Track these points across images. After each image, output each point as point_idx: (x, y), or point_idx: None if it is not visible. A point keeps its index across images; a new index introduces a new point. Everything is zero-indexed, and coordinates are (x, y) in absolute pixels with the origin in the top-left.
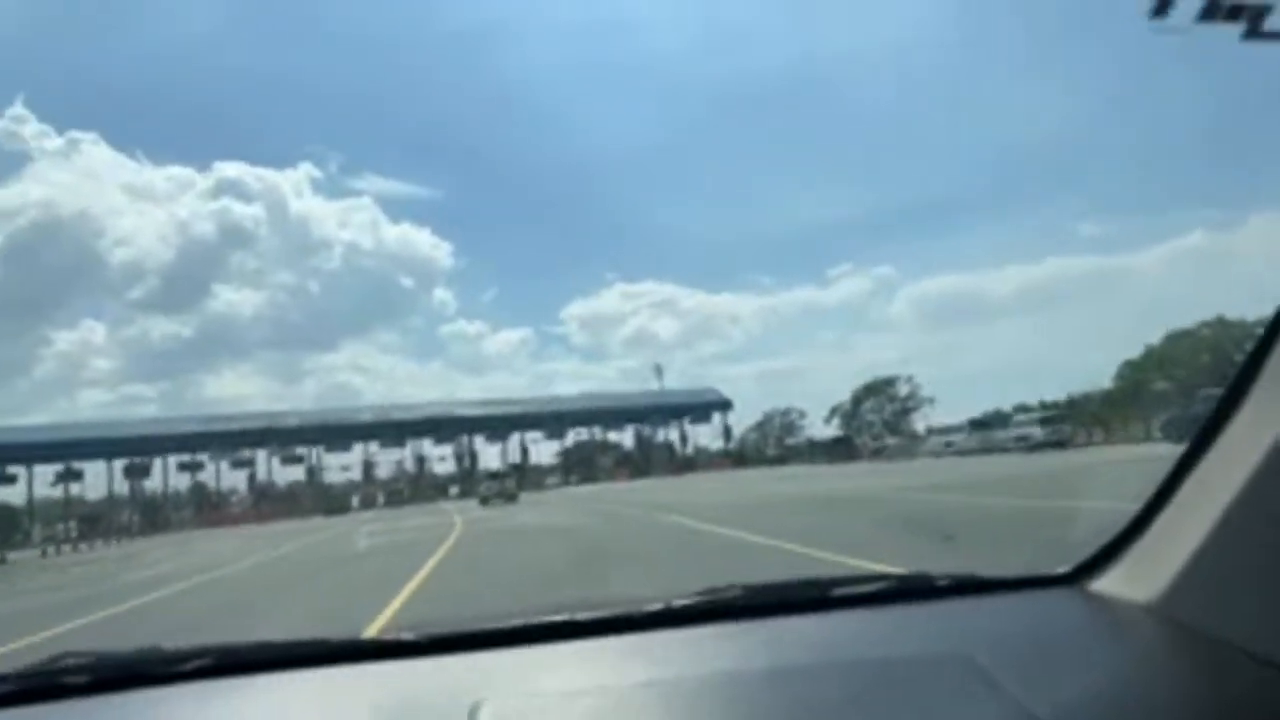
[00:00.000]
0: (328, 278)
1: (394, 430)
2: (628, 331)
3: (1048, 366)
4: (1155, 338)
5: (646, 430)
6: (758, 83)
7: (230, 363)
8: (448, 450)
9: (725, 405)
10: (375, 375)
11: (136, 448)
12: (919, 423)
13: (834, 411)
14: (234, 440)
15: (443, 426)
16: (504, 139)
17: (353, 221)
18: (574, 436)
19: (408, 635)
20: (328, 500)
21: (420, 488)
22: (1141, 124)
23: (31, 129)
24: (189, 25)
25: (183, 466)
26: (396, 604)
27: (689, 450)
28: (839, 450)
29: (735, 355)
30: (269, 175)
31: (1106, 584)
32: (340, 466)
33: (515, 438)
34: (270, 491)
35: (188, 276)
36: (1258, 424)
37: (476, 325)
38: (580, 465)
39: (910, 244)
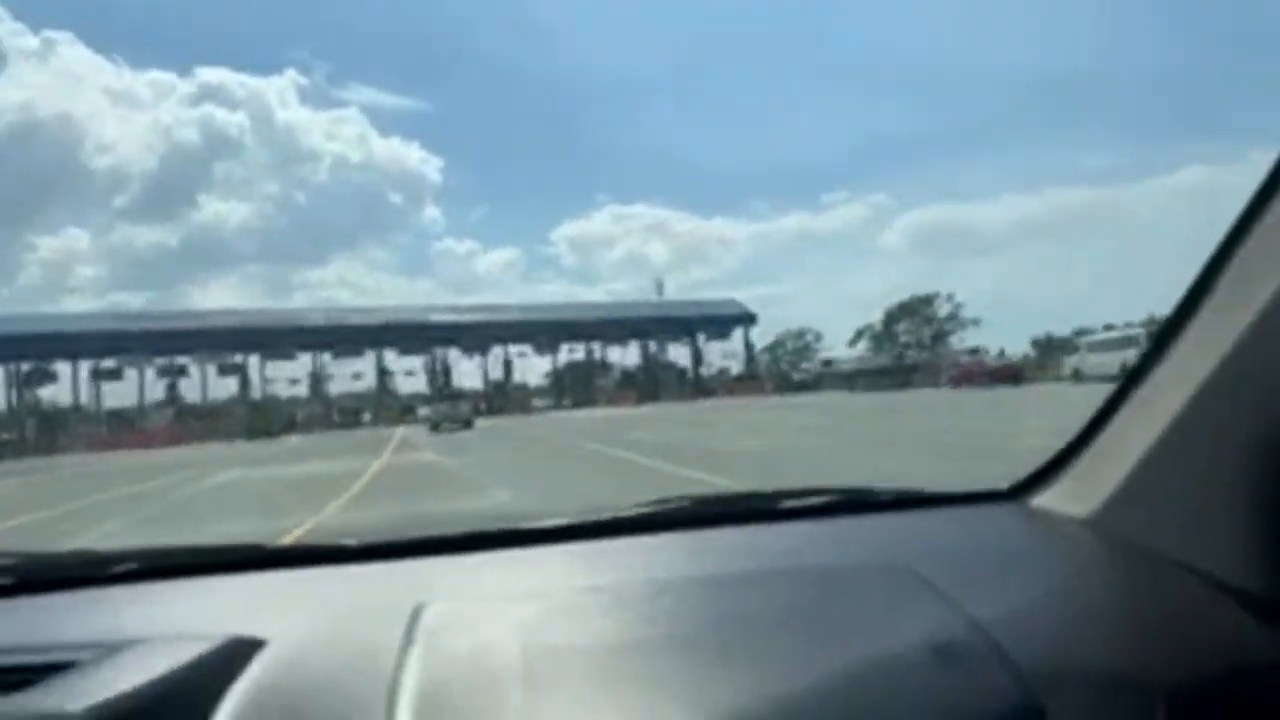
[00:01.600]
0: (315, 190)
1: (350, 336)
2: (618, 254)
3: (1044, 299)
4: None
5: (653, 347)
6: (756, 7)
7: (217, 275)
8: (418, 364)
9: (748, 319)
10: (363, 291)
11: (43, 347)
12: (956, 346)
13: (860, 333)
14: (157, 342)
15: (410, 334)
16: (499, 53)
17: (341, 133)
18: (568, 354)
19: (347, 541)
20: (255, 420)
21: (382, 407)
22: (1147, 53)
23: (4, 28)
24: None
25: (100, 374)
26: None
27: (704, 371)
28: (893, 375)
29: (727, 281)
30: (253, 82)
31: (1047, 499)
32: (288, 379)
33: (498, 352)
34: (195, 408)
35: (172, 185)
36: (1201, 345)
37: (467, 244)
38: (575, 387)
39: (907, 172)
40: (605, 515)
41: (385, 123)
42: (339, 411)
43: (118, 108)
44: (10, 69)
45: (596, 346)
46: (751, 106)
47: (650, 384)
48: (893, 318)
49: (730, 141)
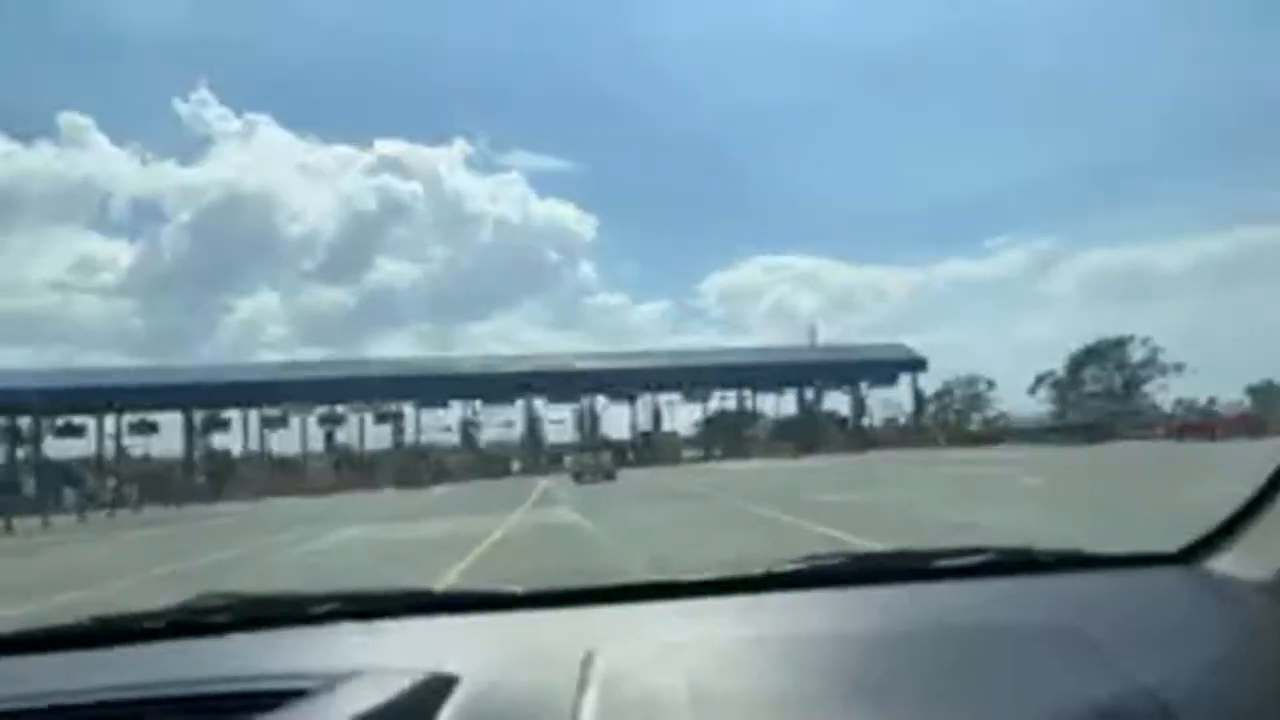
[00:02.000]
0: (479, 251)
1: (501, 384)
2: (767, 304)
3: (1240, 343)
4: None
5: (809, 395)
6: (910, 46)
7: (389, 331)
8: (568, 413)
9: (917, 364)
10: (519, 345)
11: (215, 397)
12: (1156, 395)
13: (1040, 380)
14: (318, 391)
15: (559, 382)
16: (646, 110)
17: (502, 196)
18: (719, 402)
19: (519, 589)
20: (404, 469)
21: (530, 456)
22: None
23: (213, 112)
24: (348, 7)
25: (267, 422)
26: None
27: (868, 421)
28: (1087, 431)
29: (880, 330)
30: (425, 152)
31: (1218, 563)
32: (441, 428)
33: (647, 400)
34: (352, 455)
35: (352, 249)
36: None
37: (618, 297)
38: (725, 437)
39: (1074, 215)
40: (763, 570)
41: (542, 184)
42: (486, 460)
43: (306, 179)
44: (217, 148)
45: (748, 394)
46: (904, 152)
47: (808, 434)
48: (1079, 363)
49: (883, 188)
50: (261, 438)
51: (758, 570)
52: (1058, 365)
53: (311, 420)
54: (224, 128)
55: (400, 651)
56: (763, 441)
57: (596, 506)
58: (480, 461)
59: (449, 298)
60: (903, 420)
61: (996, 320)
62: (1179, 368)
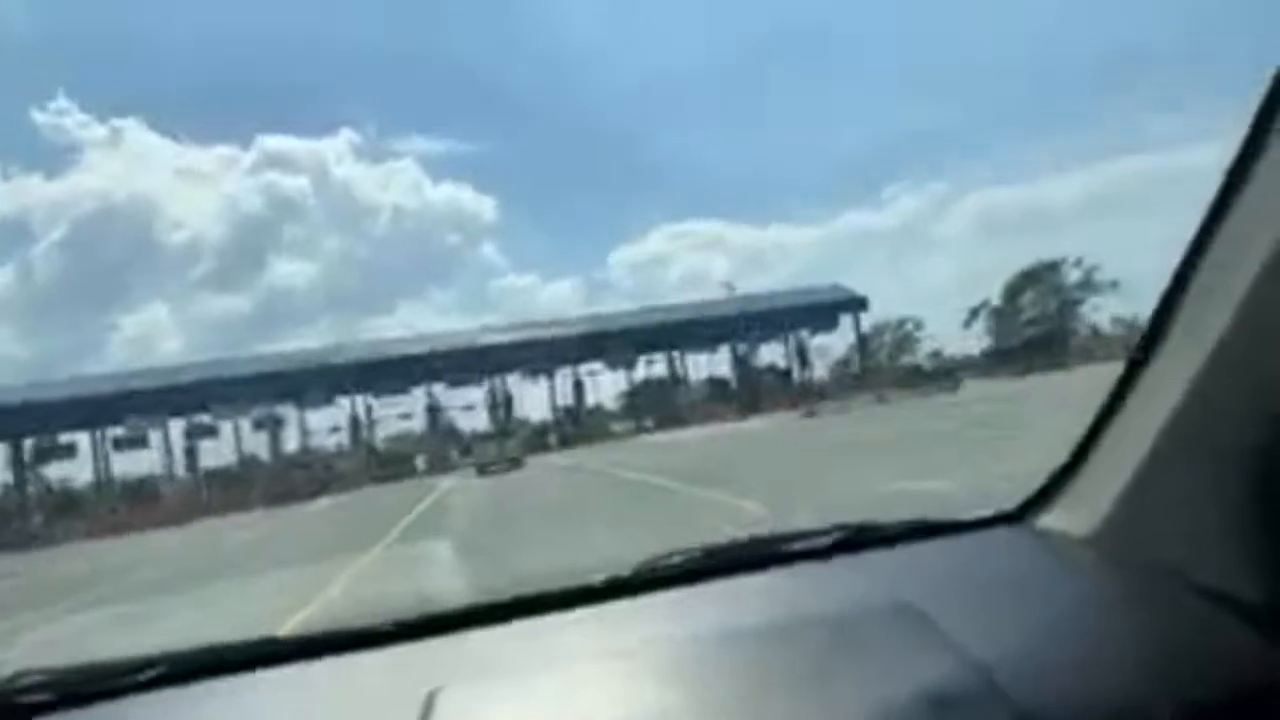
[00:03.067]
0: (376, 242)
1: (394, 372)
2: (677, 272)
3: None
4: None
5: (743, 349)
6: (791, 6)
7: (290, 331)
8: (478, 396)
9: (858, 304)
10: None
11: (46, 418)
12: (1091, 316)
13: (975, 312)
14: (179, 400)
15: (462, 362)
16: (537, 86)
17: (395, 183)
18: (646, 368)
19: (356, 626)
20: (275, 484)
21: (437, 451)
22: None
23: (75, 119)
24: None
25: (119, 443)
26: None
27: (811, 373)
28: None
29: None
30: (310, 145)
31: (1049, 520)
32: (329, 428)
33: (566, 374)
34: (220, 473)
35: (242, 252)
36: (1186, 346)
37: (526, 278)
38: (655, 405)
39: (966, 156)
40: (613, 575)
41: (438, 168)
42: (384, 461)
43: (186, 183)
44: (85, 158)
45: (676, 356)
46: (795, 108)
47: (748, 393)
48: (1015, 290)
49: (777, 146)
50: (105, 464)
51: (605, 576)
52: (990, 296)
53: (176, 434)
54: (88, 135)
55: (225, 716)
56: (698, 406)
57: (505, 525)
58: (376, 464)
59: (350, 293)
60: (851, 366)
61: (901, 266)
62: (1115, 285)
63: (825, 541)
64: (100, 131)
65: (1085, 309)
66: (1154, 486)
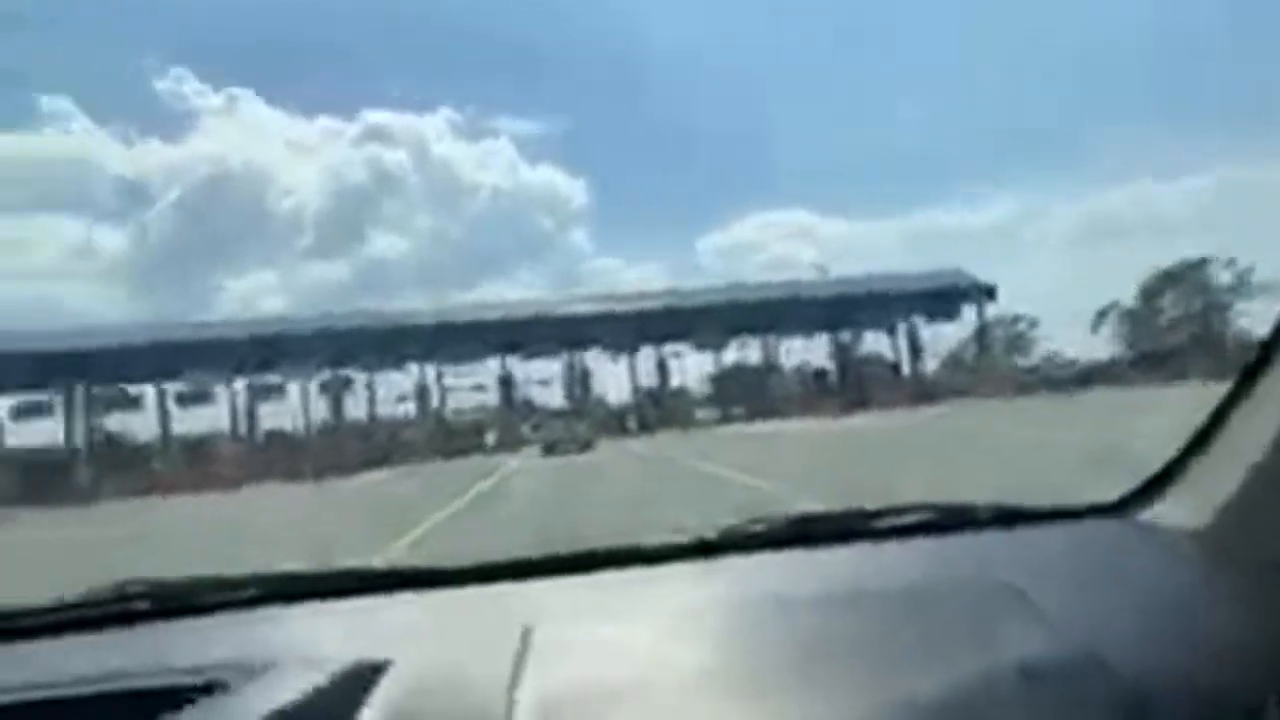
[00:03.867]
0: (469, 219)
1: (467, 338)
2: (765, 260)
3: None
4: None
5: (846, 336)
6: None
7: (383, 304)
8: (554, 370)
9: (986, 293)
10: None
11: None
12: (1240, 320)
13: (1103, 314)
14: (240, 357)
15: (539, 334)
16: (634, 71)
17: (491, 163)
18: (738, 351)
19: (456, 563)
20: (329, 453)
21: (508, 425)
22: None
23: (191, 87)
24: None
25: (183, 399)
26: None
27: (923, 367)
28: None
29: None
30: (411, 120)
31: (1153, 514)
32: (397, 395)
33: (649, 354)
34: (283, 436)
35: (342, 222)
36: None
37: (614, 261)
38: (745, 393)
39: (1069, 157)
40: (705, 536)
41: (533, 149)
42: (449, 434)
43: (293, 153)
44: (201, 126)
45: (772, 340)
46: (890, 101)
47: (853, 386)
48: (1153, 291)
49: (870, 139)
50: (164, 416)
51: (696, 537)
52: (1121, 297)
53: (240, 394)
54: (204, 104)
55: (328, 636)
56: (795, 396)
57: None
58: (443, 436)
59: (442, 269)
60: (968, 363)
61: (993, 266)
62: (1272, 289)
63: (914, 519)
64: (215, 100)
65: (1233, 313)
66: (1262, 487)
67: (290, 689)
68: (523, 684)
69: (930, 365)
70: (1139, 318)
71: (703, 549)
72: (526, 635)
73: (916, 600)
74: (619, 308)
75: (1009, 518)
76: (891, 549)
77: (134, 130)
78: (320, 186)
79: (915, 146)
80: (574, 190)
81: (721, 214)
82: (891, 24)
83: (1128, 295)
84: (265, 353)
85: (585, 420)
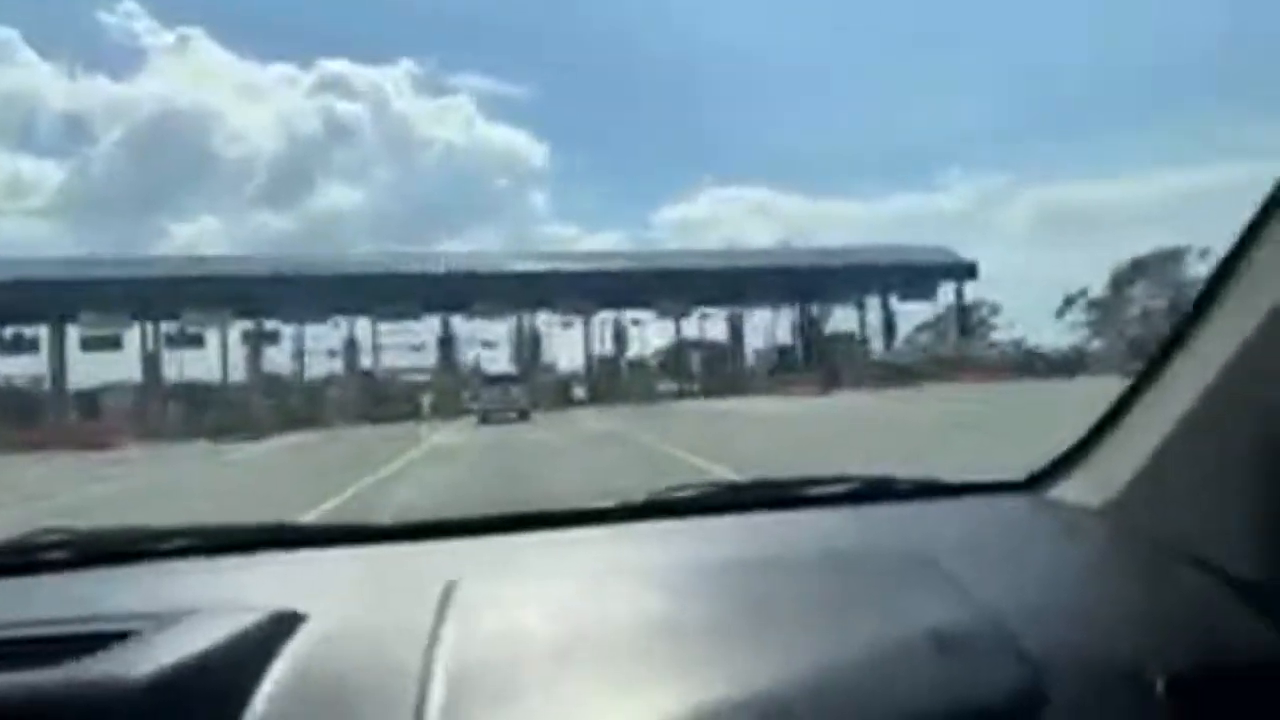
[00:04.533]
0: (425, 175)
1: (403, 291)
2: (722, 236)
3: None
4: None
5: (817, 309)
6: None
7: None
8: (501, 331)
9: (966, 271)
10: None
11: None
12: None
13: (1070, 301)
14: (141, 296)
15: (485, 291)
16: (601, 38)
17: (450, 119)
18: (700, 321)
19: (382, 521)
20: (226, 415)
21: (447, 390)
22: None
23: (143, 24)
24: None
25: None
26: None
27: (894, 346)
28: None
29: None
30: (370, 72)
31: (1061, 490)
32: (326, 350)
33: (605, 319)
34: (190, 389)
35: (294, 171)
36: (1217, 339)
37: (570, 228)
38: (710, 367)
39: (1024, 149)
40: (633, 500)
41: (493, 109)
42: (378, 397)
43: (245, 99)
44: (150, 64)
45: (737, 312)
46: (854, 82)
47: (824, 363)
48: (1123, 280)
49: (833, 118)
50: (59, 370)
51: (631, 500)
52: (1090, 285)
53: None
54: (155, 42)
55: (247, 588)
56: (761, 373)
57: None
58: (371, 399)
59: (394, 222)
60: (947, 344)
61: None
62: None
63: (838, 489)
64: (166, 38)
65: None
66: (1165, 468)
67: (200, 638)
68: (442, 639)
69: (902, 345)
70: (1108, 306)
71: (629, 513)
72: (448, 592)
73: (837, 568)
74: (574, 267)
75: (926, 490)
76: (812, 517)
77: (79, 65)
78: (272, 133)
79: (879, 130)
80: (532, 152)
81: (681, 186)
82: (864, 9)
83: (1097, 283)
84: (180, 294)
85: (531, 388)
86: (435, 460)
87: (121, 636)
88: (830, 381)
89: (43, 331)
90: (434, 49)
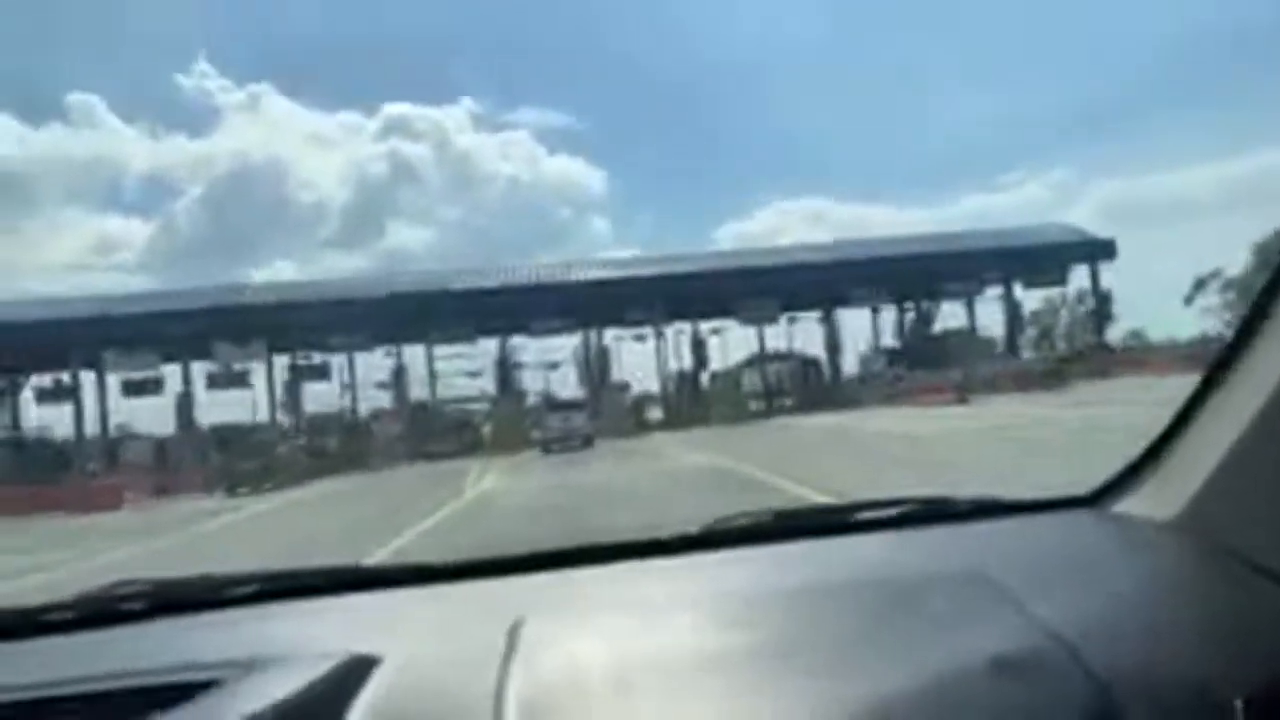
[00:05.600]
0: (490, 210)
1: (454, 312)
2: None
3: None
4: None
5: (927, 309)
6: None
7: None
8: (565, 351)
9: (1100, 250)
10: None
11: None
12: None
13: (1201, 285)
14: (146, 334)
15: (546, 306)
16: (651, 59)
17: (512, 154)
18: (788, 326)
19: (444, 561)
20: (239, 459)
21: (505, 421)
22: None
23: (214, 83)
24: None
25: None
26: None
27: (1021, 341)
28: None
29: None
30: (431, 112)
31: (1127, 505)
32: (375, 383)
33: (677, 332)
34: (198, 438)
35: (364, 214)
36: (1279, 343)
37: (633, 251)
38: (802, 379)
39: (1092, 145)
40: (692, 531)
41: (551, 141)
42: (430, 431)
43: (314, 147)
44: (224, 121)
45: (835, 313)
46: (911, 86)
47: (943, 368)
48: (1266, 252)
49: (891, 124)
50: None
51: (679, 532)
52: (1224, 266)
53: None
54: (227, 100)
55: (321, 632)
56: (875, 381)
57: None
58: (419, 433)
59: (462, 260)
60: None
61: None
62: None
63: (895, 513)
64: (238, 96)
65: None
66: (1235, 477)
67: (282, 685)
68: (510, 678)
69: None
70: (1248, 287)
71: (687, 543)
72: (514, 630)
73: (895, 592)
74: (646, 271)
75: (987, 510)
76: (871, 542)
77: (159, 126)
78: (341, 179)
79: (936, 135)
80: (592, 180)
81: (741, 203)
82: (911, 13)
83: (1233, 265)
84: (213, 328)
85: (598, 411)
86: (477, 516)
87: (204, 686)
88: (960, 387)
89: (87, 376)
90: (491, 86)
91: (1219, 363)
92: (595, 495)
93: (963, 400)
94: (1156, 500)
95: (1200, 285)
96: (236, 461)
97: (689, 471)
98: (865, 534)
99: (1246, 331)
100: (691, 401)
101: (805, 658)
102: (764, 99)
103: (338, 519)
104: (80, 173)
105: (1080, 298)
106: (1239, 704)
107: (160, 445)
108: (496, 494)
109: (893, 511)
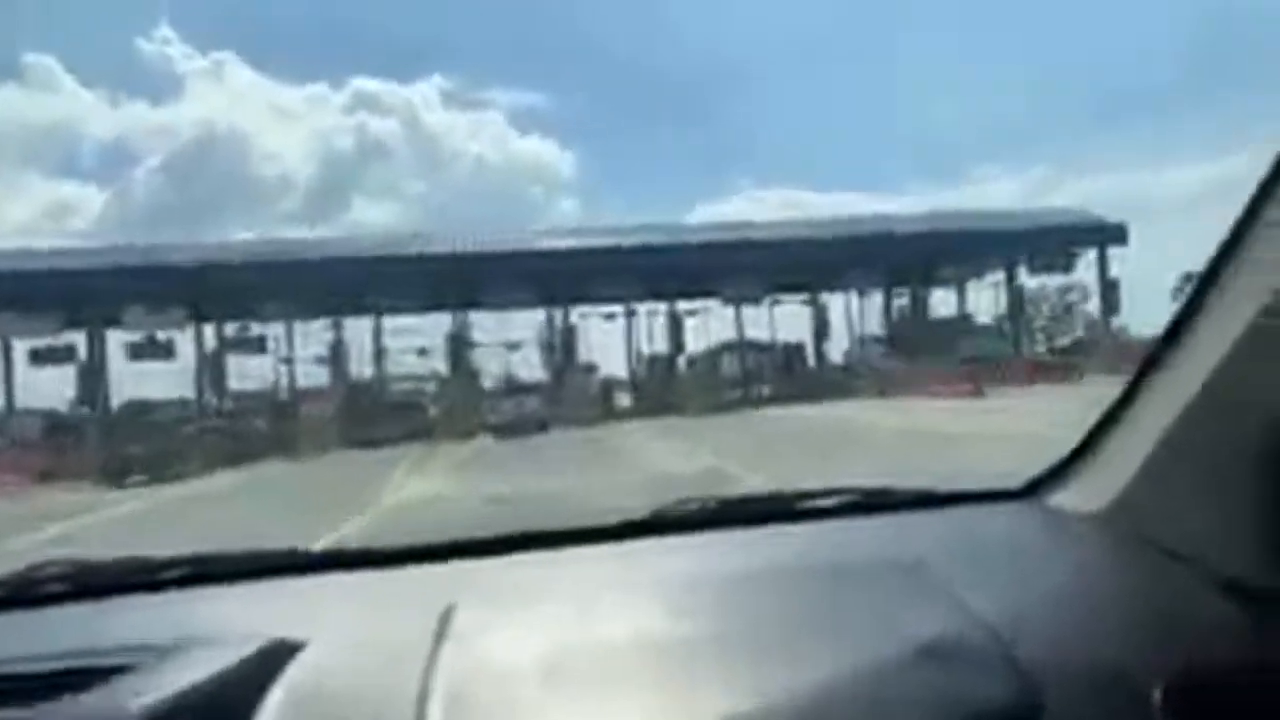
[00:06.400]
0: (459, 190)
1: (403, 279)
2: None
3: None
4: None
5: (919, 291)
6: None
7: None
8: (529, 326)
9: (1112, 234)
10: None
11: None
12: None
13: (1189, 279)
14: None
15: (505, 276)
16: (626, 42)
17: (482, 133)
18: (770, 307)
19: (379, 546)
20: (119, 446)
21: (454, 405)
22: None
23: (177, 50)
24: None
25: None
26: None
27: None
28: None
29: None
30: (401, 89)
31: (1059, 498)
32: (314, 356)
33: (650, 311)
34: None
35: (329, 189)
36: (1210, 342)
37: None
38: (787, 365)
39: (1069, 143)
40: (630, 517)
41: (522, 121)
42: (369, 414)
43: (280, 120)
44: (187, 89)
45: (823, 295)
46: (886, 78)
47: (941, 358)
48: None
49: (866, 115)
50: None
51: (628, 517)
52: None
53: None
54: (190, 67)
55: (248, 616)
56: (867, 370)
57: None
58: (352, 417)
59: (429, 238)
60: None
61: None
62: None
63: (835, 502)
64: (201, 63)
65: None
66: (1163, 472)
67: (202, 669)
68: (438, 665)
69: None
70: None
71: (629, 530)
72: (446, 617)
73: (830, 580)
74: (618, 242)
75: (923, 500)
76: (810, 530)
77: (120, 92)
78: (306, 153)
79: (912, 127)
80: (563, 162)
81: (711, 189)
82: (890, 4)
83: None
84: (137, 294)
85: (559, 397)
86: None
87: (121, 670)
88: (967, 378)
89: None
90: (463, 64)
91: (1151, 358)
92: (548, 509)
93: (979, 393)
94: (1087, 493)
95: (1189, 279)
96: (138, 445)
97: (680, 481)
98: (807, 522)
99: (1179, 328)
100: (664, 388)
101: (742, 645)
102: (740, 86)
103: (192, 532)
104: (37, 136)
105: (1085, 287)
106: (1157, 690)
107: (51, 423)
108: (413, 508)
109: (835, 500)
